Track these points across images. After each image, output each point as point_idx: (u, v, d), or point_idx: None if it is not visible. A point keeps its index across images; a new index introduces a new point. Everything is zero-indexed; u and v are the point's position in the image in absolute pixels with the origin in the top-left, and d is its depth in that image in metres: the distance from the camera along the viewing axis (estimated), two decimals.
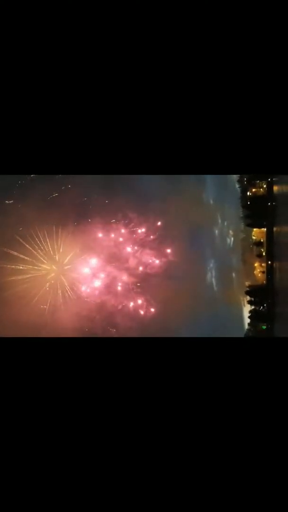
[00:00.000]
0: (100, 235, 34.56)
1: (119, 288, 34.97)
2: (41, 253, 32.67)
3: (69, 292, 33.85)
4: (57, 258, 33.52)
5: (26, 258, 32.19)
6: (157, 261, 36.26)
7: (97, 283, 34.47)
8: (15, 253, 31.63)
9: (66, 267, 33.80)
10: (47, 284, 33.39)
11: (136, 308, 34.97)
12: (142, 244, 35.96)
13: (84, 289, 34.01)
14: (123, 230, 35.18)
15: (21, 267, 32.05)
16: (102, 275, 34.59)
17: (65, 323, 31.92)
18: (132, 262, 35.39)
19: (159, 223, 36.28)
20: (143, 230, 35.83)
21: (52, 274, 33.74)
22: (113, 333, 32.90)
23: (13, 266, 31.78)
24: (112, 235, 34.79)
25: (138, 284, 35.65)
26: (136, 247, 35.43)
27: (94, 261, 34.21)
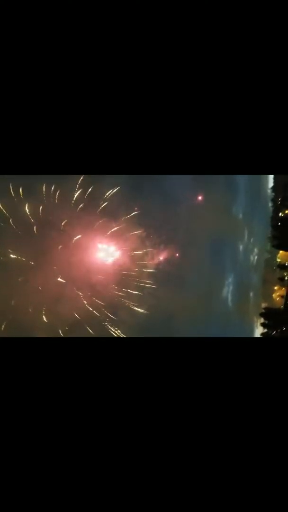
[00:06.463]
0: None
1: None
2: None
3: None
4: None
5: None
6: (173, 267, 35.88)
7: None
8: None
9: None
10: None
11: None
12: (159, 247, 35.64)
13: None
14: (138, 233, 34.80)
15: None
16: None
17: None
18: (147, 264, 35.21)
19: (181, 230, 35.85)
20: (163, 235, 35.48)
21: None
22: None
23: None
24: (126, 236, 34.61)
25: (153, 287, 35.35)
26: (152, 250, 35.18)
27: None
